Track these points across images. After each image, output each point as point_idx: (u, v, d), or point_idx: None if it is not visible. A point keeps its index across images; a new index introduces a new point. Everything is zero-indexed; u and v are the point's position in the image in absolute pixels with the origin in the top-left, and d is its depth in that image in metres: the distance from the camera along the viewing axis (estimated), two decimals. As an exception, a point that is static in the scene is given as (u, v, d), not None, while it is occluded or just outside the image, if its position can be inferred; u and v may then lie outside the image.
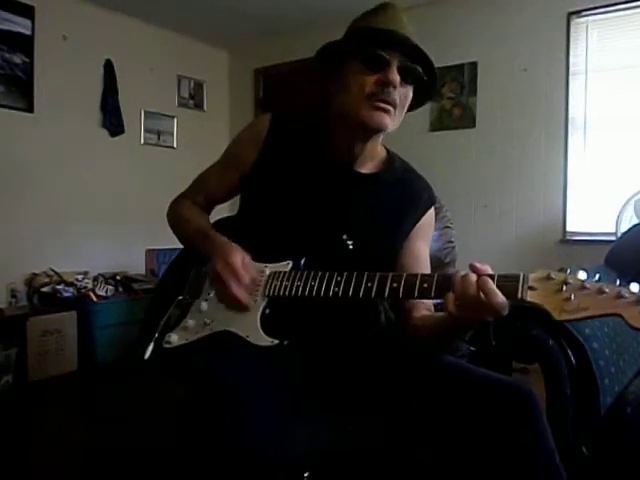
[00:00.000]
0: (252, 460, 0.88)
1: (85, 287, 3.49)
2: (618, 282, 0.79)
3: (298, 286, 1.02)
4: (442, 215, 1.95)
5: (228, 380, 0.97)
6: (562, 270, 0.83)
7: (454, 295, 0.88)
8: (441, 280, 0.91)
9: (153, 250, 3.95)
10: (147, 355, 1.12)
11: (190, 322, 1.11)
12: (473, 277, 0.87)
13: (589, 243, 3.33)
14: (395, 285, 0.93)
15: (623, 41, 3.36)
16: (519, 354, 1.75)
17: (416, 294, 0.92)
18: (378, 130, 1.10)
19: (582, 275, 0.82)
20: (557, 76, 3.54)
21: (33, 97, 3.63)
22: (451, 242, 3.06)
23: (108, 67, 4.05)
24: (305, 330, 1.08)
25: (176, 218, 1.30)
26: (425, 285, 0.91)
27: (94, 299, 3.43)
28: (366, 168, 1.19)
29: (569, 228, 3.52)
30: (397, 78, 1.06)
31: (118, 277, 3.75)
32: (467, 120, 3.85)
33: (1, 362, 2.89)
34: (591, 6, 3.41)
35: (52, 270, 3.58)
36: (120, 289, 3.68)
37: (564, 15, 3.50)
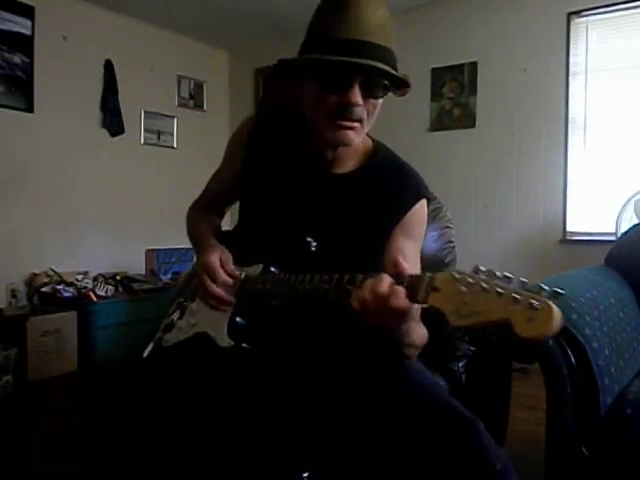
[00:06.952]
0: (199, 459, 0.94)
1: (85, 287, 3.49)
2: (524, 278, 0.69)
3: (259, 290, 1.03)
4: (442, 215, 1.94)
5: (184, 382, 1.04)
6: (476, 269, 0.74)
7: (360, 294, 0.83)
8: (347, 280, 0.87)
9: (153, 250, 3.96)
10: (146, 354, 1.17)
11: (182, 322, 1.15)
12: (387, 278, 0.82)
13: (589, 243, 3.34)
14: (326, 287, 0.90)
15: (623, 41, 3.36)
16: (519, 354, 1.74)
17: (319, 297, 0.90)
18: (344, 146, 1.06)
19: (488, 273, 0.72)
20: (557, 76, 3.54)
21: (33, 97, 3.63)
22: (451, 242, 3.06)
23: (108, 67, 4.05)
24: (267, 336, 1.07)
25: (187, 225, 1.35)
26: (326, 287, 0.89)
27: (94, 299, 3.43)
28: (344, 167, 1.13)
29: (569, 228, 3.52)
30: (359, 100, 0.98)
31: (118, 277, 3.75)
32: (467, 120, 3.85)
33: (1, 362, 2.88)
34: (591, 6, 3.41)
35: (52, 270, 3.58)
36: (120, 289, 3.68)
37: (564, 15, 3.50)
